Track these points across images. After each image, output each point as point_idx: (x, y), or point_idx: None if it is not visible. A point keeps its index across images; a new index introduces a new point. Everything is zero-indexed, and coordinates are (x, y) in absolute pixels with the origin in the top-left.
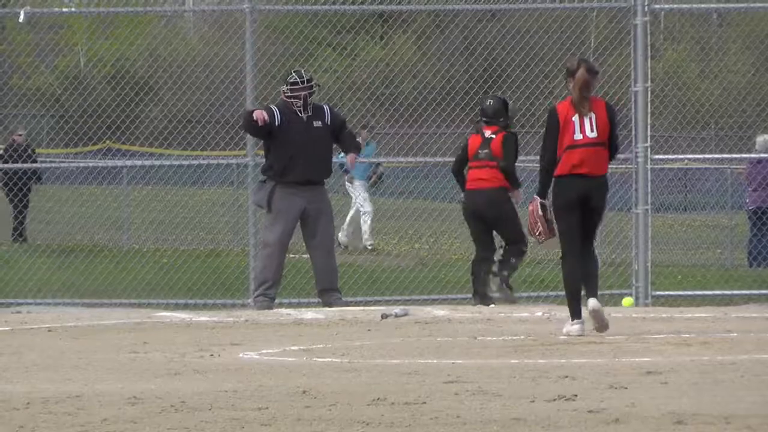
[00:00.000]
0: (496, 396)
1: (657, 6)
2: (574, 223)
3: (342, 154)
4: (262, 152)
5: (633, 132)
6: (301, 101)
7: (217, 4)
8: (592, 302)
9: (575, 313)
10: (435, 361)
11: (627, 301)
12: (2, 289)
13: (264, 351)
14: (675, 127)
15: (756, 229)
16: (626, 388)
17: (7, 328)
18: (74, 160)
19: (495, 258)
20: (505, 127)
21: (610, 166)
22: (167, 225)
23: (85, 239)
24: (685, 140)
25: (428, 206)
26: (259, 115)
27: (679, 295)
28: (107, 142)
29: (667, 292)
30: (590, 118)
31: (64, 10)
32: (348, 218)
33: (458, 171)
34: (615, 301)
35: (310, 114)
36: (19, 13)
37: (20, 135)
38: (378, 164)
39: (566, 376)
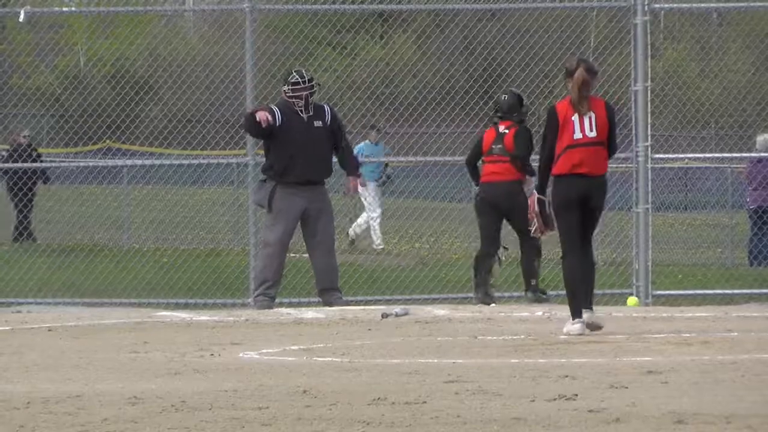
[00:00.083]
0: (497, 395)
1: (657, 5)
2: (573, 222)
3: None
4: (262, 152)
5: (633, 131)
6: (303, 101)
7: (217, 3)
8: (586, 316)
9: (576, 313)
10: (435, 360)
11: (632, 300)
12: (2, 289)
13: (264, 350)
14: (675, 126)
15: (756, 228)
16: (627, 387)
17: (7, 328)
18: (74, 159)
19: (498, 255)
20: (520, 122)
21: (610, 165)
22: (167, 224)
23: (85, 239)
24: (686, 139)
25: (428, 205)
26: (263, 116)
27: (680, 295)
28: (107, 141)
29: (667, 292)
30: (590, 118)
31: (64, 9)
32: (362, 219)
33: (472, 163)
34: (616, 300)
35: (310, 114)
36: (19, 12)
37: (24, 137)
38: (386, 165)
39: (567, 376)
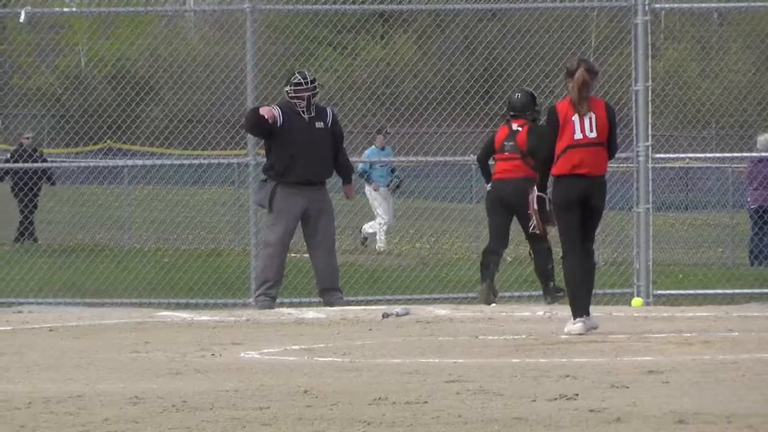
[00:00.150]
0: (498, 395)
1: (657, 5)
2: (574, 222)
3: (361, 165)
4: (263, 152)
5: (634, 131)
6: (305, 102)
7: (218, 3)
8: (582, 324)
9: (576, 312)
10: (436, 360)
11: (637, 301)
12: (4, 289)
13: (265, 350)
14: (676, 126)
15: (757, 228)
16: (628, 387)
17: (8, 328)
18: (75, 159)
19: (503, 255)
20: (533, 120)
21: (610, 165)
22: (168, 224)
23: (86, 239)
24: (686, 139)
25: (429, 205)
26: (267, 111)
27: (681, 294)
28: (108, 141)
29: (668, 291)
30: (590, 118)
31: (65, 10)
32: (376, 221)
33: (483, 161)
34: (617, 300)
35: (312, 115)
36: (20, 13)
37: (27, 138)
38: (393, 170)
39: (567, 376)
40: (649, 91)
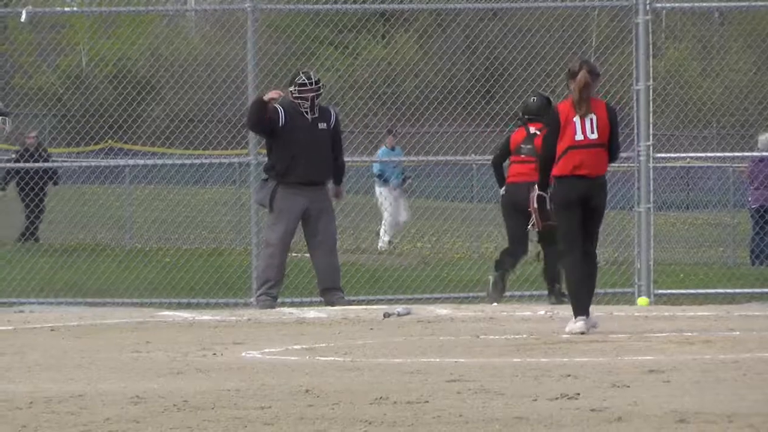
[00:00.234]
0: (499, 395)
1: (659, 4)
2: (574, 222)
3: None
4: (264, 151)
5: (635, 130)
6: (308, 102)
7: (219, 3)
8: (582, 323)
9: (577, 312)
10: (437, 359)
11: (643, 300)
12: (5, 289)
13: (267, 350)
14: (677, 125)
15: (758, 228)
16: (629, 386)
17: (9, 328)
18: (76, 159)
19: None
20: (548, 124)
21: (611, 164)
22: (170, 224)
23: (87, 238)
24: (687, 139)
25: (430, 205)
26: (274, 92)
27: (682, 294)
28: (109, 141)
29: (669, 291)
30: (591, 119)
31: (66, 9)
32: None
33: (498, 164)
34: (618, 299)
35: (315, 115)
36: (21, 12)
37: (32, 138)
38: (403, 170)
39: (569, 375)
40: (650, 91)
